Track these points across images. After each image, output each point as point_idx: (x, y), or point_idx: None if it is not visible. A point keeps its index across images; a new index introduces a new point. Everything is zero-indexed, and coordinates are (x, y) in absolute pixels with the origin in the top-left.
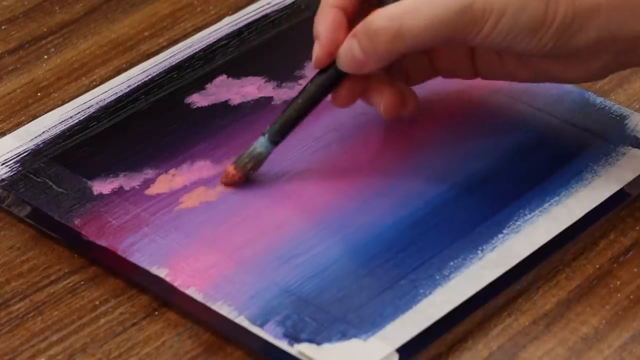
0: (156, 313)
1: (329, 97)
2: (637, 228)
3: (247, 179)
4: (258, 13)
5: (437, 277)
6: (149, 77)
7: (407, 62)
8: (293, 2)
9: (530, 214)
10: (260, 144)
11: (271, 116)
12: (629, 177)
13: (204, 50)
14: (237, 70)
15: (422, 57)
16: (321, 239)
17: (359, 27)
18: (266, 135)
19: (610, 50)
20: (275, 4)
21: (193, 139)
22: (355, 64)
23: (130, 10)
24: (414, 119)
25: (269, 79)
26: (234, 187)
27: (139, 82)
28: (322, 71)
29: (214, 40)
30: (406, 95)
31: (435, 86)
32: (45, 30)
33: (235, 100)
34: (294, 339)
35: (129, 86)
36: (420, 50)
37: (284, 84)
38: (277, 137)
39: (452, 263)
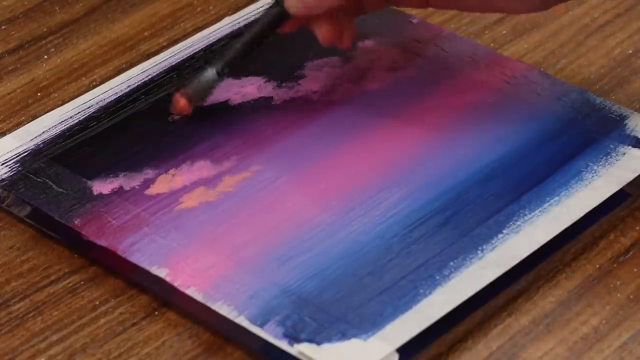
0: (156, 313)
1: (325, 98)
2: (637, 228)
3: (195, 108)
4: (258, 13)
5: (437, 277)
6: (149, 77)
7: None
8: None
9: (530, 214)
10: (208, 77)
11: (271, 116)
12: (629, 177)
13: (204, 50)
14: (237, 70)
15: None
16: (321, 239)
17: None
18: (214, 69)
19: None
20: None
21: (193, 139)
22: (304, 8)
23: (130, 10)
24: (413, 120)
25: (269, 79)
26: (183, 115)
27: (139, 82)
28: (270, 8)
29: (214, 40)
30: (344, 29)
31: (432, 86)
32: (45, 30)
33: (235, 100)
34: (294, 339)
35: (129, 86)
36: None
37: (284, 84)
38: (225, 71)
39: (452, 263)
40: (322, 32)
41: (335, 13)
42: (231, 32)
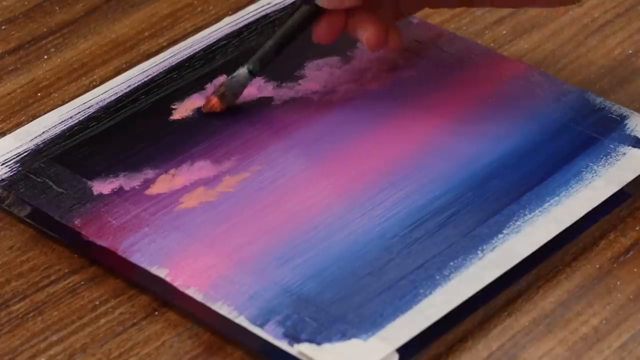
0: (156, 313)
1: (325, 98)
2: (637, 228)
3: (227, 107)
4: (258, 13)
5: (437, 277)
6: (149, 77)
7: None
8: (293, 2)
9: (530, 214)
10: (240, 76)
11: (271, 116)
12: (629, 177)
13: (204, 50)
14: (237, 70)
15: None
16: (321, 239)
17: None
18: (246, 67)
19: None
20: (275, 4)
21: (193, 139)
22: (336, 0)
23: (130, 10)
24: (413, 120)
25: (269, 79)
26: (214, 112)
27: (139, 82)
28: (302, 5)
29: (214, 40)
30: (390, 31)
31: (432, 86)
32: (45, 30)
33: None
34: (294, 339)
35: (129, 86)
36: None
37: (284, 84)
38: (256, 69)
39: (452, 263)
40: (369, 37)
41: (378, 16)
42: (231, 32)
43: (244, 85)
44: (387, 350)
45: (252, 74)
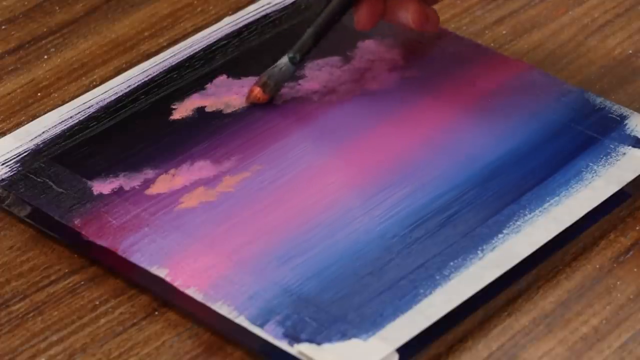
0: (156, 313)
1: (325, 98)
2: (637, 228)
3: (271, 98)
4: (258, 13)
5: (437, 277)
6: (149, 77)
7: None
8: (293, 2)
9: (530, 214)
10: (282, 64)
11: (271, 116)
12: (629, 177)
13: (204, 50)
14: (237, 70)
15: None
16: (321, 238)
17: None
18: (287, 56)
19: None
20: (275, 4)
21: (193, 139)
22: None
23: (130, 10)
24: (413, 120)
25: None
26: (258, 103)
27: (139, 82)
28: None
29: (214, 40)
30: (428, 11)
31: (432, 86)
32: (45, 30)
33: (236, 100)
34: (294, 339)
35: (129, 86)
36: None
37: (283, 84)
38: (297, 57)
39: (452, 263)
40: (414, 17)
41: None
42: (231, 32)
43: (286, 74)
44: (387, 350)
45: (294, 63)
